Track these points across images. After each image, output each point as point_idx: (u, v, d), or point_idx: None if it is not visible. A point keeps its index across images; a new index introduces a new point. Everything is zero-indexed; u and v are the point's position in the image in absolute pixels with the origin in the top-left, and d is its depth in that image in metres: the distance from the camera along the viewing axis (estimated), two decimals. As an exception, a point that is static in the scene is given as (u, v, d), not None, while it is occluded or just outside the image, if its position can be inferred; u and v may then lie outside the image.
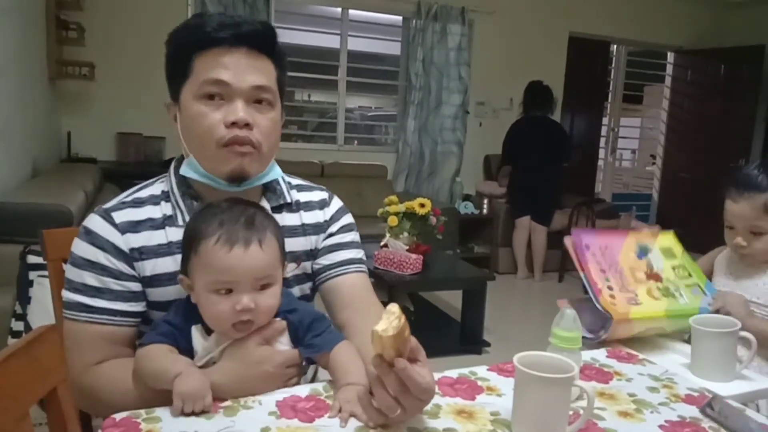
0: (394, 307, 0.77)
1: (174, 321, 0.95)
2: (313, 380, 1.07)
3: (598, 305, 1.26)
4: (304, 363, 1.00)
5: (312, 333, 0.96)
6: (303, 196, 1.17)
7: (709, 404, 0.93)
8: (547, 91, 4.84)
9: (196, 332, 0.95)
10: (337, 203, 1.21)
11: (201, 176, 1.02)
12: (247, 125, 0.98)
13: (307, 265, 1.14)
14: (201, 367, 0.91)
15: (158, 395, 0.85)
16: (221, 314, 0.90)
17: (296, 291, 1.13)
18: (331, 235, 1.16)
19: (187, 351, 0.94)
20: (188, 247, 0.94)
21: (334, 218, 1.18)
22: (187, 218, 1.02)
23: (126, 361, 0.94)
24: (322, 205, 1.18)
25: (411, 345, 0.78)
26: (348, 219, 1.20)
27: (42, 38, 3.71)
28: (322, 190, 1.21)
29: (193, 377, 0.85)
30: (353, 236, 1.19)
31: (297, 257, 1.12)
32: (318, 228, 1.15)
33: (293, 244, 1.11)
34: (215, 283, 0.90)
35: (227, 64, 0.98)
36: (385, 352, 0.76)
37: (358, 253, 1.17)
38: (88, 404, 1.00)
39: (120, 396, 0.91)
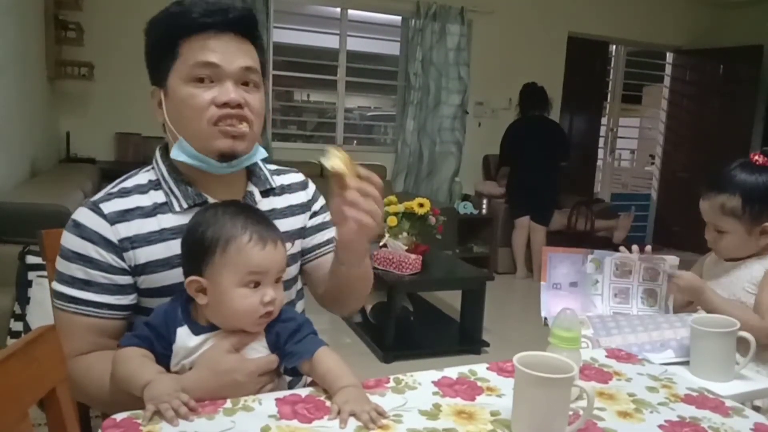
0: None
1: (154, 324, 0.95)
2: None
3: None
4: (287, 377, 1.01)
5: (294, 339, 0.96)
6: (284, 179, 1.21)
7: None
8: (542, 92, 4.83)
9: (182, 333, 0.95)
10: (312, 184, 1.27)
11: (192, 157, 1.02)
12: (239, 105, 1.01)
13: (298, 244, 1.19)
14: (175, 372, 0.93)
15: (131, 397, 0.86)
16: (252, 306, 0.93)
17: (292, 270, 1.16)
18: (315, 213, 1.23)
19: (164, 356, 0.94)
20: (208, 249, 0.93)
21: (314, 197, 1.24)
22: (183, 203, 1.04)
23: (108, 356, 0.95)
24: (303, 186, 1.24)
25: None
26: (323, 199, 1.27)
27: (41, 38, 3.71)
28: (296, 172, 1.26)
29: (163, 382, 0.86)
30: (329, 215, 1.27)
31: (291, 236, 1.16)
32: (304, 207, 1.21)
33: (286, 224, 1.15)
34: (250, 276, 0.93)
35: (215, 47, 1.00)
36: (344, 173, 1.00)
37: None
38: (71, 391, 1.02)
39: (96, 390, 0.96)
